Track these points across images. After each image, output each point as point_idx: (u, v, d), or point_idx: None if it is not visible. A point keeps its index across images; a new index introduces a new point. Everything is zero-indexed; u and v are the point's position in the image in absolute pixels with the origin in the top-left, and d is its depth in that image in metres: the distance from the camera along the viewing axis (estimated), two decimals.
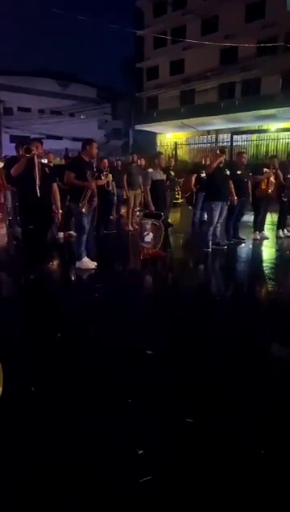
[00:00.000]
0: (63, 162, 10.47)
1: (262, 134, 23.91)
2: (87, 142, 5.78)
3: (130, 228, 9.20)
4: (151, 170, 6.91)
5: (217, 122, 25.12)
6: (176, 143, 27.37)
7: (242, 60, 23.44)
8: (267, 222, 8.72)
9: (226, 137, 25.03)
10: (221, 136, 26.11)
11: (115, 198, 10.03)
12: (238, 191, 7.55)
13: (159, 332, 3.70)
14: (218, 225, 7.34)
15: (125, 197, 9.55)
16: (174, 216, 11.13)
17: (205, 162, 10.52)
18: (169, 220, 9.69)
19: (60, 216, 5.76)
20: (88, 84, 40.86)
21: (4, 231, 8.05)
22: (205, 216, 8.41)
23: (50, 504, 1.78)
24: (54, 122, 34.41)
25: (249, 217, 8.78)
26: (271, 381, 2.84)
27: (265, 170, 8.07)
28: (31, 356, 3.15)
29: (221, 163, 7.13)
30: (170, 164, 10.99)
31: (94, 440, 2.16)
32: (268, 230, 8.91)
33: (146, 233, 6.62)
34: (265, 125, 23.94)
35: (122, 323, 3.92)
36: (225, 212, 7.37)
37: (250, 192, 7.93)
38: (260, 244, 8.00)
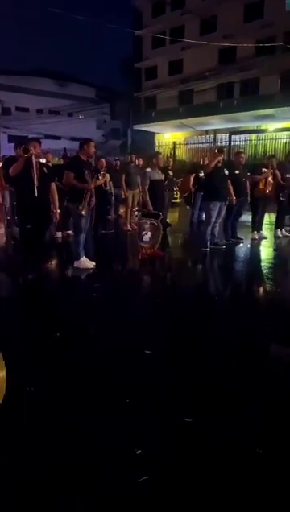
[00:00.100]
0: (61, 162, 10.45)
1: (260, 134, 23.92)
2: (84, 142, 5.77)
3: (129, 228, 9.20)
4: (149, 170, 6.91)
5: (216, 122, 25.16)
6: (174, 143, 27.36)
7: (241, 60, 23.46)
8: (265, 222, 8.73)
9: (225, 137, 25.02)
10: (219, 136, 26.12)
11: (113, 198, 10.04)
12: (236, 191, 7.56)
13: (158, 332, 3.70)
14: (217, 224, 7.34)
15: (123, 197, 9.55)
16: (172, 216, 11.13)
17: (204, 162, 10.53)
18: (167, 220, 9.69)
19: (58, 216, 5.76)
20: (86, 84, 40.81)
21: (2, 231, 8.04)
22: (204, 215, 8.42)
23: (50, 504, 1.78)
24: (52, 122, 34.35)
25: (247, 217, 8.79)
26: (270, 381, 2.84)
27: (263, 170, 8.09)
28: (31, 356, 3.14)
29: (219, 162, 7.14)
30: (168, 164, 10.98)
31: (94, 440, 2.16)
32: (266, 230, 8.92)
33: (144, 232, 6.63)
34: (263, 125, 23.98)
35: (121, 323, 3.92)
36: (223, 212, 7.38)
37: (248, 191, 7.94)
38: (258, 244, 8.01)
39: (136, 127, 29.39)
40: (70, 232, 7.73)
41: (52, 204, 5.46)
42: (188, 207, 10.79)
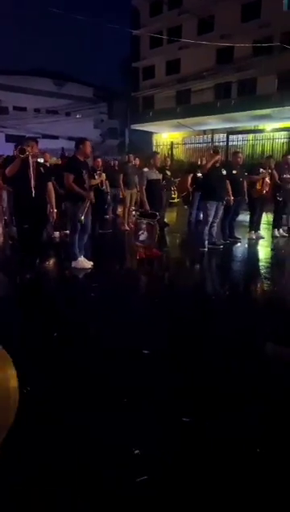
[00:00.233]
0: (59, 161, 10.44)
1: (257, 134, 23.97)
2: (80, 142, 5.71)
3: (126, 227, 9.19)
4: (146, 169, 6.90)
5: (213, 122, 25.18)
6: (172, 143, 27.36)
7: (238, 60, 23.48)
8: (263, 222, 8.75)
9: (222, 137, 25.07)
10: (217, 136, 26.15)
11: (109, 197, 10.04)
12: (234, 190, 7.58)
13: (157, 332, 3.70)
14: (214, 224, 7.36)
15: (121, 197, 9.55)
16: (170, 216, 11.13)
17: (201, 162, 10.54)
18: (165, 220, 9.70)
19: (54, 216, 5.76)
20: (84, 84, 40.77)
21: (0, 230, 8.02)
22: (201, 215, 8.43)
23: (50, 504, 1.78)
24: (50, 122, 34.33)
25: (244, 217, 8.81)
26: (270, 381, 2.84)
27: (261, 170, 8.10)
28: (29, 356, 3.13)
29: (216, 162, 7.15)
30: (166, 164, 10.99)
31: (94, 440, 2.16)
32: (264, 230, 8.94)
33: (140, 232, 6.64)
34: (261, 125, 24.02)
35: (120, 322, 3.91)
36: (221, 211, 7.40)
37: (245, 191, 7.96)
38: (256, 243, 8.03)
39: (134, 127, 29.38)
40: (68, 231, 7.72)
41: (49, 204, 5.46)
42: (185, 207, 10.81)
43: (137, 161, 10.30)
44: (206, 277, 6.21)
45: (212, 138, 26.50)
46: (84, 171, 5.68)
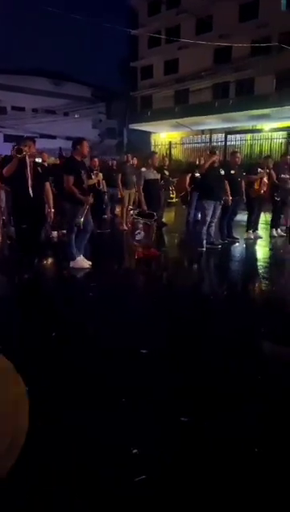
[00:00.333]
0: (57, 161, 10.44)
1: (256, 134, 24.00)
2: (77, 142, 5.68)
3: (125, 227, 9.20)
4: (144, 169, 6.90)
5: (212, 122, 25.17)
6: (170, 143, 27.38)
7: (236, 60, 23.49)
8: (260, 222, 8.76)
9: (220, 136, 25.10)
10: (215, 136, 26.17)
11: (106, 197, 10.04)
12: (232, 190, 7.60)
13: (155, 332, 3.70)
14: (212, 224, 7.37)
15: (119, 196, 9.55)
16: (168, 216, 11.15)
17: (199, 161, 10.55)
18: (163, 220, 9.71)
19: (52, 216, 5.76)
20: (82, 84, 40.76)
21: None
22: (199, 215, 8.45)
23: (47, 503, 1.78)
24: (48, 121, 34.30)
25: (242, 217, 8.82)
26: (269, 381, 2.85)
27: (259, 170, 8.12)
28: (27, 355, 3.13)
29: (213, 162, 7.17)
30: (164, 163, 11.00)
31: (92, 440, 2.16)
32: (262, 230, 8.95)
33: (137, 231, 6.66)
34: (259, 125, 24.02)
35: (118, 322, 3.92)
36: (218, 211, 7.41)
37: (243, 191, 7.98)
38: (254, 243, 8.04)
39: (132, 126, 29.34)
40: (65, 231, 7.73)
41: (47, 204, 5.46)
42: (184, 206, 10.82)
43: (135, 161, 10.32)
44: (204, 277, 6.22)
45: (210, 138, 26.51)
46: (82, 172, 5.68)
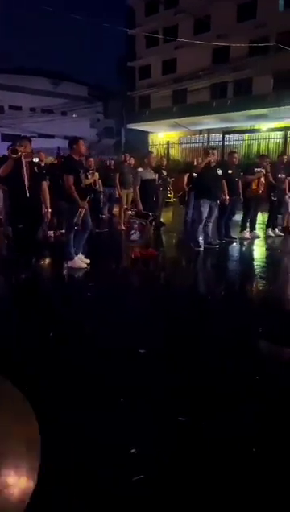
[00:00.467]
0: (55, 161, 10.43)
1: (253, 134, 24.04)
2: (74, 141, 5.66)
3: (123, 227, 9.20)
4: (140, 169, 6.89)
5: (209, 122, 25.19)
6: (168, 143, 27.36)
7: (234, 60, 23.50)
8: (258, 222, 8.78)
9: (218, 136, 25.11)
10: (213, 136, 26.18)
11: (102, 196, 10.04)
12: (229, 190, 7.61)
13: (153, 331, 3.70)
14: (209, 224, 7.37)
15: (117, 196, 9.56)
16: (166, 216, 11.15)
17: (197, 161, 10.55)
18: (162, 220, 9.71)
19: (49, 215, 5.75)
20: (80, 83, 40.72)
21: None
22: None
23: (45, 503, 1.78)
24: (46, 121, 34.26)
25: (240, 216, 8.83)
26: (266, 381, 2.85)
27: (255, 170, 8.13)
28: (25, 355, 3.13)
29: (209, 162, 7.17)
30: (162, 163, 11.00)
31: (90, 439, 2.16)
32: (259, 230, 8.97)
33: (132, 231, 6.67)
34: (257, 125, 24.06)
35: (116, 322, 3.91)
36: (215, 211, 7.41)
37: (240, 191, 7.99)
38: (251, 243, 8.05)
39: (130, 126, 29.33)
40: (63, 231, 7.72)
41: (44, 204, 5.45)
42: (181, 206, 10.82)
43: (132, 160, 10.32)
44: (202, 276, 6.23)
45: (208, 138, 26.53)
46: (81, 171, 5.68)
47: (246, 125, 24.49)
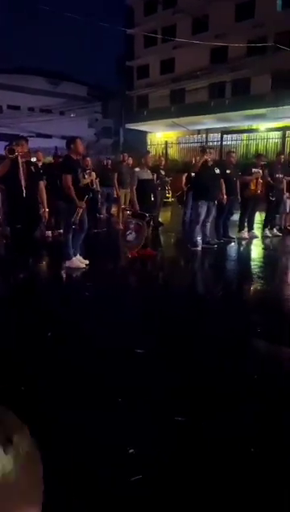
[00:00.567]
0: (53, 161, 10.41)
1: (252, 134, 24.05)
2: (71, 141, 5.66)
3: (121, 227, 9.18)
4: (137, 169, 6.88)
5: (208, 122, 25.20)
6: (166, 142, 27.35)
7: (232, 60, 23.51)
8: (256, 221, 8.78)
9: (216, 136, 25.12)
10: (211, 135, 26.20)
11: (100, 196, 10.04)
12: (227, 190, 7.61)
13: (151, 331, 3.70)
14: (207, 224, 7.37)
15: (115, 196, 9.55)
16: (164, 215, 11.14)
17: (195, 161, 10.55)
18: (160, 219, 9.71)
19: (46, 215, 5.74)
20: (78, 83, 40.66)
21: None
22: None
23: (44, 503, 1.78)
24: (44, 121, 34.20)
25: (238, 216, 8.83)
26: (265, 380, 2.86)
27: (253, 170, 8.13)
28: (24, 355, 3.13)
29: (206, 161, 7.16)
30: (160, 163, 10.99)
31: (89, 439, 2.16)
32: (258, 229, 8.97)
33: (128, 231, 6.66)
34: (255, 125, 24.08)
35: (114, 322, 3.91)
36: (213, 211, 7.40)
37: (238, 191, 7.99)
38: (250, 243, 8.06)
39: (128, 126, 29.33)
40: (62, 231, 7.72)
41: (41, 203, 5.45)
42: (180, 206, 10.81)
43: (129, 160, 10.31)
44: (200, 276, 6.23)
45: (206, 138, 26.54)
46: (79, 170, 5.68)
47: (245, 125, 24.51)
